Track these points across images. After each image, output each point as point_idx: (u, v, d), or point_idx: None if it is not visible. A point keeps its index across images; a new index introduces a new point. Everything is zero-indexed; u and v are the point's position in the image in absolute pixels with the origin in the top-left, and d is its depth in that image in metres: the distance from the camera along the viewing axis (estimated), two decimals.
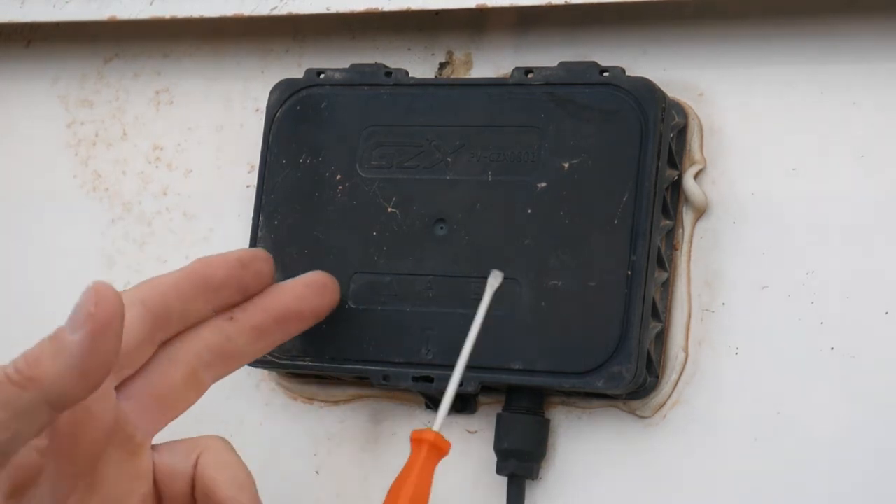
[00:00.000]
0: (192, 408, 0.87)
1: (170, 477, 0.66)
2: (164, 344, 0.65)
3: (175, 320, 0.64)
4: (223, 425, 0.86)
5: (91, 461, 0.62)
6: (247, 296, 0.65)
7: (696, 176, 0.79)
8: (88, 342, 0.57)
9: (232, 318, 0.65)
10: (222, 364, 0.66)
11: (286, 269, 0.82)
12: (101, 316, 0.57)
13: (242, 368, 0.83)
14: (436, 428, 0.62)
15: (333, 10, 0.85)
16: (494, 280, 0.73)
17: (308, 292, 0.67)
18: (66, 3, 0.91)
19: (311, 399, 0.85)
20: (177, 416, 0.66)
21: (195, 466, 0.66)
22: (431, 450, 0.61)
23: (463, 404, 0.81)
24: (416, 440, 0.62)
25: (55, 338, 0.59)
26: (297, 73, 0.86)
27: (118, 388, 0.64)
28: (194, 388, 0.66)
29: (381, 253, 0.80)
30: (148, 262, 0.91)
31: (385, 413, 0.83)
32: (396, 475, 0.63)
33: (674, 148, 0.78)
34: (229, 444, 0.69)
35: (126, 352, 0.62)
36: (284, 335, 0.70)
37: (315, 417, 0.85)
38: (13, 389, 0.57)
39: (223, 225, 0.90)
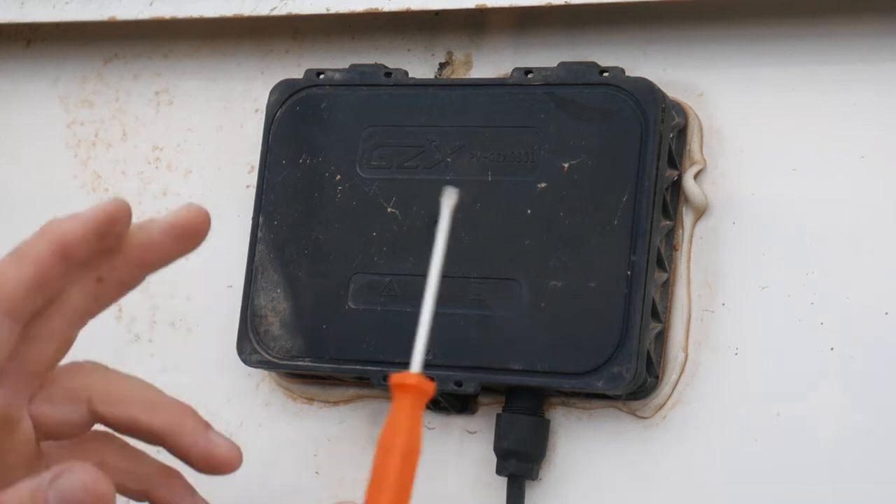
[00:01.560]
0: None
1: (63, 427, 0.64)
2: (33, 320, 0.63)
3: (38, 306, 0.62)
4: (223, 426, 0.86)
5: None
6: (108, 254, 0.63)
7: (696, 176, 0.79)
8: None
9: (100, 280, 0.63)
10: (91, 317, 0.65)
11: (286, 268, 0.82)
12: None
13: (243, 369, 0.84)
14: (415, 368, 0.59)
15: (333, 10, 0.85)
16: (449, 198, 0.70)
17: (174, 238, 0.64)
18: (66, 3, 0.91)
19: (310, 399, 0.85)
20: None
21: (93, 411, 0.64)
22: (417, 394, 0.58)
23: (463, 404, 0.81)
24: (399, 386, 0.58)
25: None
26: (297, 73, 0.86)
27: None
28: (66, 347, 0.64)
29: (381, 253, 0.80)
30: None
31: (385, 413, 0.83)
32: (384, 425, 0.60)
33: (674, 148, 0.78)
34: (99, 364, 0.67)
35: None
36: (148, 275, 0.68)
37: (315, 418, 0.85)
38: None
39: (223, 225, 0.89)
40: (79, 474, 0.56)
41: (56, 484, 0.56)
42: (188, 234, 0.64)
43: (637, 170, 0.76)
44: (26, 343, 0.62)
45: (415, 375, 0.58)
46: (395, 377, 0.57)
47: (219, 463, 0.66)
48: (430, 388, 0.57)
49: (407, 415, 0.56)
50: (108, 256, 0.63)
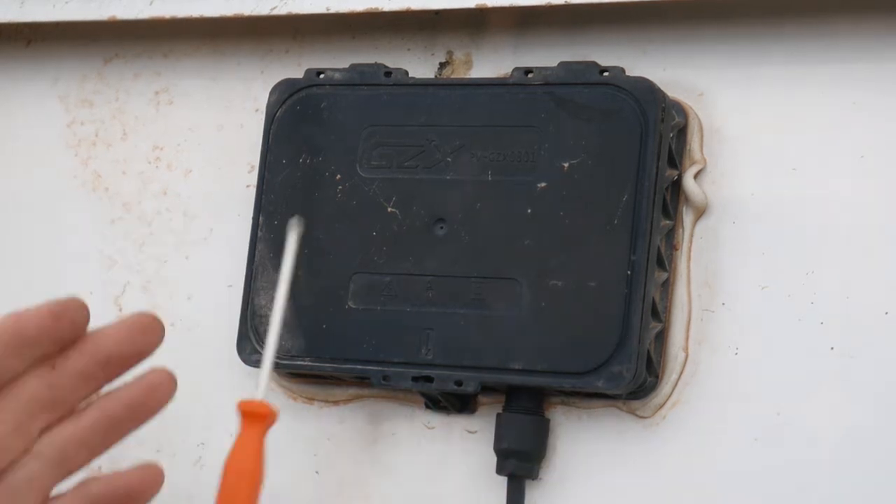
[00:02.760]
0: (193, 409, 0.87)
1: None
2: None
3: None
4: (223, 426, 0.86)
5: None
6: (63, 346, 0.64)
7: (696, 176, 0.79)
8: None
9: (53, 368, 0.64)
10: (50, 412, 0.64)
11: None
12: None
13: (243, 368, 0.84)
14: (259, 395, 0.62)
15: (333, 10, 0.85)
16: (294, 232, 0.70)
17: (129, 335, 0.65)
18: (66, 3, 0.91)
19: (310, 399, 0.85)
20: (5, 465, 0.64)
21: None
22: (262, 422, 0.61)
23: (463, 404, 0.81)
24: (246, 413, 0.61)
25: None
26: (297, 73, 0.86)
27: None
28: (22, 438, 0.64)
29: (381, 253, 0.80)
30: (148, 262, 0.91)
31: (385, 413, 0.83)
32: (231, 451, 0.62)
33: (674, 148, 0.78)
34: None
35: None
36: (109, 378, 0.68)
37: (315, 417, 0.85)
38: None
39: (223, 225, 0.89)
40: None
41: None
42: (142, 328, 0.64)
43: (637, 169, 0.76)
44: None
45: (260, 403, 0.61)
46: (243, 404, 0.59)
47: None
48: (274, 416, 0.60)
49: (254, 440, 0.59)
50: (59, 345, 0.63)
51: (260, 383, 0.61)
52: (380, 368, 0.79)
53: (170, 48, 0.94)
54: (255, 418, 0.59)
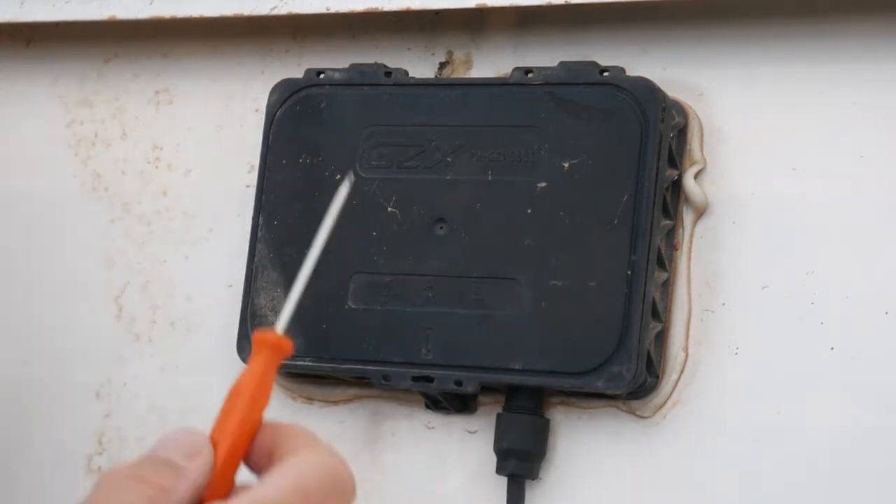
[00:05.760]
0: (193, 410, 0.87)
1: None
2: None
3: None
4: None
5: None
6: None
7: (696, 176, 0.79)
8: None
9: None
10: None
11: (286, 268, 0.82)
12: None
13: (243, 368, 0.83)
14: (279, 328, 0.62)
15: (333, 10, 0.85)
16: (344, 188, 0.70)
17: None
18: (66, 3, 0.91)
19: (310, 399, 0.85)
20: None
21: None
22: (273, 350, 0.61)
23: (463, 404, 0.81)
24: (259, 341, 0.61)
25: None
26: (297, 73, 0.86)
27: None
28: None
29: (381, 253, 0.80)
30: (148, 261, 0.91)
31: (385, 413, 0.83)
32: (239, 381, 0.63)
33: (674, 148, 0.78)
34: None
35: None
36: None
37: (315, 417, 0.84)
38: None
39: (223, 225, 0.90)
40: None
41: None
42: None
43: (637, 169, 0.76)
44: None
45: (275, 334, 0.61)
46: (257, 334, 0.59)
47: None
48: (288, 345, 0.60)
49: (261, 367, 0.59)
50: None
51: (282, 315, 0.61)
52: (380, 368, 0.79)
53: (170, 48, 0.94)
54: (263, 346, 0.59)
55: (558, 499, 0.79)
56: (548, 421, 0.79)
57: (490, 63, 0.85)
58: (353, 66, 0.84)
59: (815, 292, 0.76)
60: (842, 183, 0.77)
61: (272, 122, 0.84)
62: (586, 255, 0.76)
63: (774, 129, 0.79)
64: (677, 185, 0.79)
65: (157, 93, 0.93)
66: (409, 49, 0.87)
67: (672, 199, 0.79)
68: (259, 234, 0.83)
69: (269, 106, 0.85)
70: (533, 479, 0.79)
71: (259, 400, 0.58)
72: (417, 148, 0.81)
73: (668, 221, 0.78)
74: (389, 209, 0.80)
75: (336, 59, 0.88)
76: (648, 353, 0.76)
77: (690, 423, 0.77)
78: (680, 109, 0.79)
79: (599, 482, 0.78)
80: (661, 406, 0.78)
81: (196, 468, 0.57)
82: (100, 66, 0.95)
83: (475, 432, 0.81)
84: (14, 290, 0.94)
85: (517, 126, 0.79)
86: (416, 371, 0.78)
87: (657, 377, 0.77)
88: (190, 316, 0.89)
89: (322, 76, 0.84)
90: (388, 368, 0.79)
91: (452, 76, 0.86)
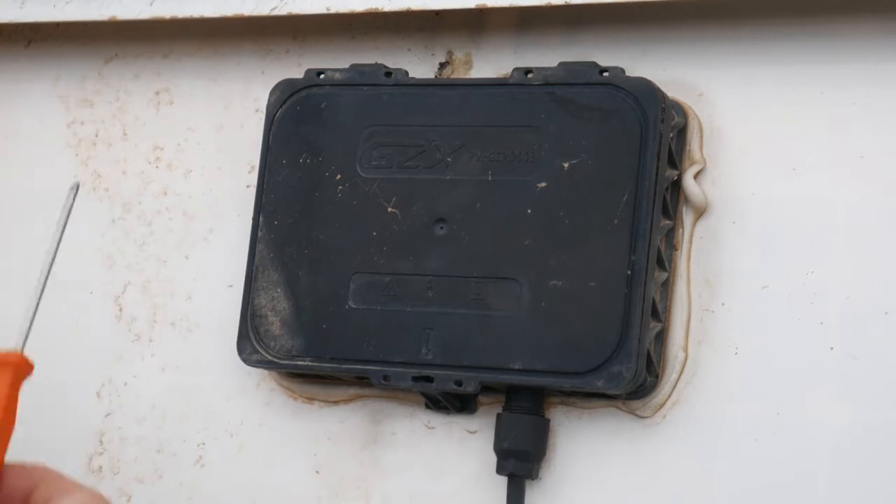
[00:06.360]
0: (192, 409, 0.87)
1: None
2: None
3: None
4: (224, 425, 0.86)
5: None
6: None
7: (696, 176, 0.79)
8: None
9: None
10: None
11: (286, 268, 0.82)
12: None
13: (243, 369, 0.84)
14: (19, 347, 0.63)
15: (333, 10, 0.85)
16: (70, 195, 0.71)
17: None
18: (66, 3, 0.91)
19: (311, 399, 0.85)
20: None
21: None
22: (16, 371, 0.62)
23: (463, 404, 0.81)
24: (2, 363, 0.62)
25: None
26: (297, 73, 0.86)
27: None
28: None
29: (381, 253, 0.80)
30: (148, 261, 0.91)
31: (385, 413, 0.83)
32: None
33: (674, 148, 0.78)
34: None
35: None
36: None
37: (315, 417, 0.85)
38: None
39: (223, 225, 0.90)
40: None
41: None
42: None
43: (637, 169, 0.76)
44: None
45: (17, 354, 0.62)
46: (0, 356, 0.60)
47: None
48: (29, 367, 0.61)
49: (5, 390, 0.60)
50: None
51: (21, 336, 0.62)
52: (380, 368, 0.79)
53: (170, 48, 0.94)
54: (7, 367, 0.60)
55: (558, 499, 0.79)
56: (548, 421, 0.79)
57: (490, 63, 0.85)
58: (353, 67, 0.84)
59: (815, 292, 0.76)
60: (842, 183, 0.77)
61: (272, 122, 0.84)
62: (586, 255, 0.76)
63: (774, 129, 0.79)
64: (677, 185, 0.79)
65: (157, 93, 0.93)
66: (409, 49, 0.88)
67: (672, 199, 0.79)
68: (259, 234, 0.83)
69: (269, 106, 0.85)
70: (533, 479, 0.79)
71: (6, 423, 0.59)
72: (417, 148, 0.81)
73: (668, 221, 0.78)
74: (389, 209, 0.80)
75: (336, 60, 0.88)
76: (648, 352, 0.76)
77: (690, 423, 0.77)
78: (680, 109, 0.79)
79: (599, 482, 0.78)
80: (661, 406, 0.78)
81: None
82: (100, 66, 0.95)
83: (475, 432, 0.81)
84: (14, 290, 0.94)
85: (517, 126, 0.79)
86: (416, 371, 0.78)
87: (657, 377, 0.77)
88: (190, 316, 0.89)
89: (322, 76, 0.84)
90: (388, 368, 0.79)
91: (452, 76, 0.86)
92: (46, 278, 0.65)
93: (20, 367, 0.61)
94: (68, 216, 0.65)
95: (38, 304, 0.63)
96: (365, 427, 0.83)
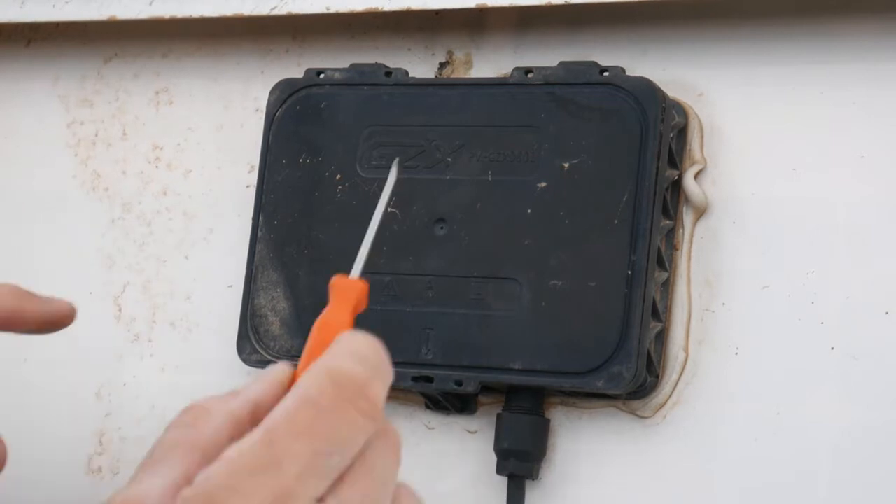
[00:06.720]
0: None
1: None
2: None
3: None
4: None
5: None
6: None
7: (696, 176, 0.79)
8: None
9: None
10: None
11: (286, 268, 0.82)
12: None
13: (243, 369, 0.84)
14: (354, 274, 0.64)
15: (333, 10, 0.85)
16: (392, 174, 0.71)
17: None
18: (66, 3, 0.91)
19: None
20: None
21: None
22: (351, 292, 0.63)
23: (463, 404, 0.81)
24: (335, 287, 0.63)
25: None
26: (297, 73, 0.86)
27: None
28: None
29: (381, 253, 0.80)
30: (148, 261, 0.91)
31: (385, 413, 0.83)
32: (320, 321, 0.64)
33: (674, 148, 0.78)
34: None
35: None
36: None
37: None
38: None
39: (223, 225, 0.90)
40: None
41: None
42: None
43: (637, 169, 0.76)
44: None
45: (354, 279, 0.63)
46: (335, 279, 0.62)
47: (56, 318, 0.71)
48: (364, 287, 0.62)
49: (340, 310, 0.61)
50: None
51: (356, 264, 0.63)
52: None
53: (170, 48, 0.94)
54: (341, 292, 0.61)
55: (558, 499, 0.79)
56: (548, 421, 0.79)
57: (490, 63, 0.85)
58: (353, 66, 0.84)
59: (815, 292, 0.76)
60: (842, 183, 0.77)
61: (272, 122, 0.84)
62: (586, 255, 0.76)
63: (774, 129, 0.79)
64: (677, 185, 0.79)
65: (157, 93, 0.93)
66: (409, 49, 0.87)
67: (672, 199, 0.79)
68: (259, 234, 0.83)
69: (269, 106, 0.85)
70: (533, 479, 0.79)
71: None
72: (417, 148, 0.81)
73: (668, 221, 0.78)
74: (389, 209, 0.80)
75: (336, 59, 0.88)
76: (648, 353, 0.76)
77: (690, 423, 0.77)
78: (680, 109, 0.79)
79: (599, 482, 0.78)
80: (661, 406, 0.78)
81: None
82: (100, 66, 0.95)
83: (475, 432, 0.81)
84: None
85: (517, 126, 0.79)
86: (416, 371, 0.78)
87: (657, 377, 0.77)
88: (190, 316, 0.89)
89: (322, 76, 0.84)
90: None
91: (452, 76, 0.86)
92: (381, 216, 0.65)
93: (352, 292, 0.62)
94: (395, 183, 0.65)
95: (374, 235, 0.64)
96: None
